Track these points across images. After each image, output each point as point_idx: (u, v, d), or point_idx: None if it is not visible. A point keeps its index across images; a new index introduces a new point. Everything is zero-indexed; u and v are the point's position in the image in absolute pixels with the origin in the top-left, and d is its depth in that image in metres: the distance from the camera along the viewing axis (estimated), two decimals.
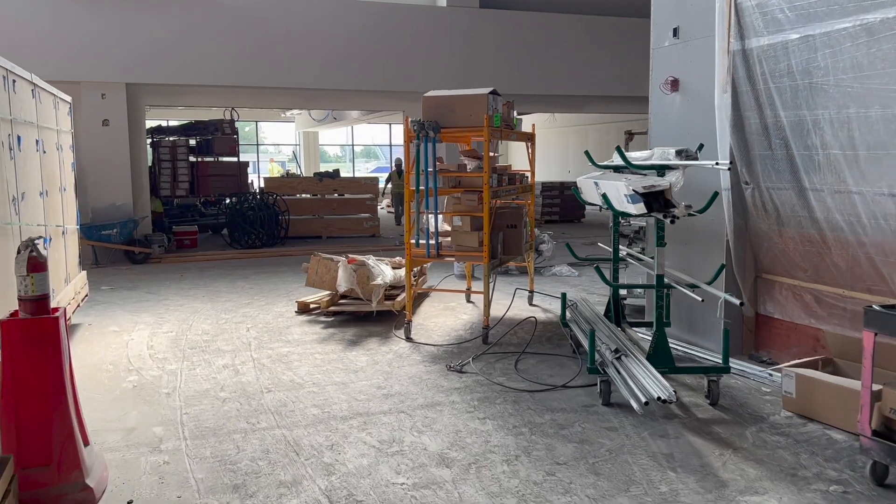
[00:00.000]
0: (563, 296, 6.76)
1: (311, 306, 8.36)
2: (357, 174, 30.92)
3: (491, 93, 6.90)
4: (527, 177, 8.19)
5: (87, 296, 8.38)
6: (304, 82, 13.20)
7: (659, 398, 4.49)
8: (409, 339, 7.04)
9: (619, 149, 5.91)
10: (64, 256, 7.23)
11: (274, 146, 34.97)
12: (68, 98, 7.96)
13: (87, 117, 12.37)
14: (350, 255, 8.27)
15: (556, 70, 14.65)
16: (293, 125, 29.85)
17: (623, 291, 8.10)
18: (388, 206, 20.68)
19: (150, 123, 17.59)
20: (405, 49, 13.72)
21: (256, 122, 29.01)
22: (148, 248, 12.48)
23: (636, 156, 5.90)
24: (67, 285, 7.23)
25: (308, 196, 16.73)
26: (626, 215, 5.59)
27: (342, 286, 7.60)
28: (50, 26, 11.82)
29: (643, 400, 4.48)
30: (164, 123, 19.44)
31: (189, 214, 16.99)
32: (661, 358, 5.28)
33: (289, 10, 12.88)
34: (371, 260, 7.91)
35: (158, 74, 12.47)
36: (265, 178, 16.83)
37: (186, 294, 9.61)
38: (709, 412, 4.99)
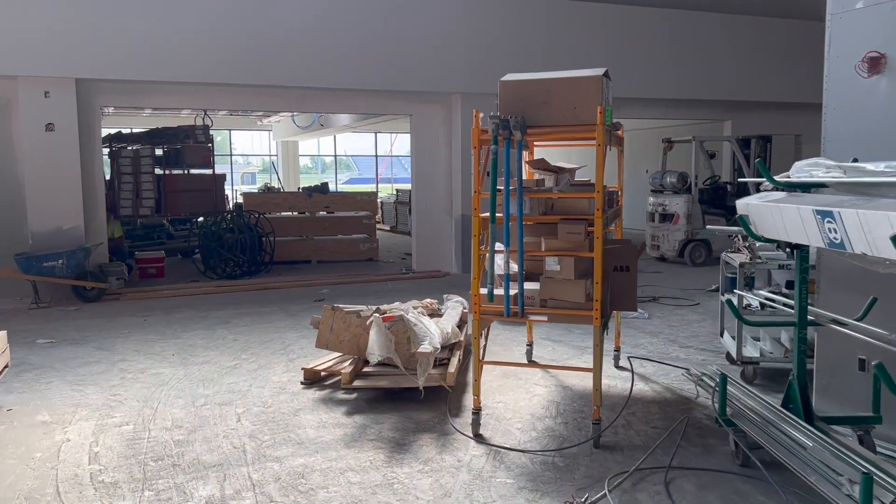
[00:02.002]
0: (723, 381, 4.53)
1: (323, 373, 6.10)
2: (336, 187, 28.59)
3: (604, 75, 4.74)
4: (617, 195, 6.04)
5: (6, 366, 6.03)
6: (295, 79, 10.93)
7: None
8: (478, 436, 4.82)
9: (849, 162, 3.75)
10: None
11: (243, 157, 32.46)
12: None
13: (27, 120, 9.98)
14: (383, 309, 6.02)
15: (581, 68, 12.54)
16: (267, 134, 27.44)
17: (754, 352, 5.96)
18: None
19: (108, 131, 15.14)
20: (415, 42, 11.54)
21: (230, 130, 26.57)
22: (103, 282, 10.08)
23: (871, 168, 3.72)
24: None
25: (294, 214, 14.44)
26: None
27: (375, 355, 5.34)
28: None
29: None
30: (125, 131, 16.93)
31: (155, 236, 14.59)
32: None
33: None
34: (411, 314, 5.66)
35: (117, 68, 10.13)
36: (244, 194, 14.49)
37: (151, 350, 7.27)
38: None
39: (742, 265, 5.84)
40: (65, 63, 9.92)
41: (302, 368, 6.14)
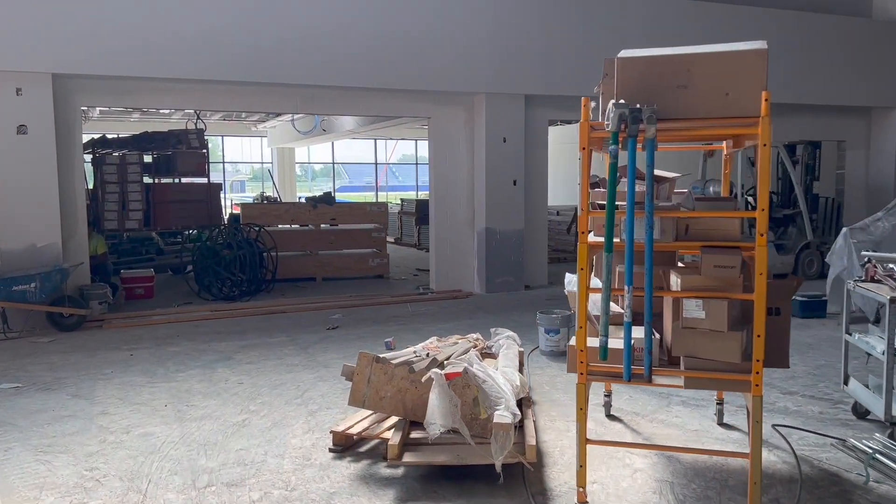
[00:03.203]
0: None
1: (356, 437, 4.81)
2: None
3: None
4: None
5: None
6: (302, 77, 9.66)
7: None
8: None
9: None
10: None
11: (236, 164, 31.05)
12: None
13: None
14: (439, 359, 4.75)
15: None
16: (259, 141, 26.06)
17: None
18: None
19: (90, 136, 13.80)
20: (435, 37, 10.30)
21: (222, 136, 25.21)
22: (83, 308, 8.75)
23: None
24: None
25: (296, 227, 13.14)
26: None
27: (436, 425, 4.05)
28: None
29: None
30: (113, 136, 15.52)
31: (143, 251, 13.24)
32: None
33: None
34: (476, 366, 4.38)
35: (100, 62, 8.84)
36: (242, 205, 13.16)
37: (138, 398, 5.96)
38: None
39: None
40: (39, 56, 8.62)
41: (331, 432, 4.84)
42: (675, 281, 3.61)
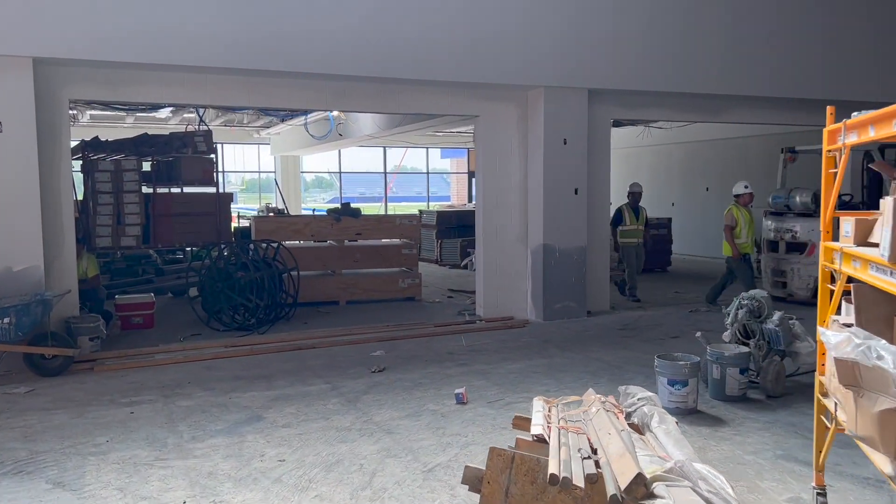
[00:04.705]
0: None
1: None
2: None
3: None
4: None
5: None
6: (336, 65, 8.07)
7: None
8: None
9: None
10: None
11: (238, 173, 29.34)
12: None
13: None
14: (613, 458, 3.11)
15: (690, 60, 9.80)
16: (256, 149, 24.34)
17: None
18: (615, 267, 11.34)
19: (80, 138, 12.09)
20: (486, 19, 8.74)
21: (222, 143, 23.48)
22: (70, 347, 7.09)
23: None
24: None
25: (315, 244, 11.49)
26: None
27: None
28: None
29: None
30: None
31: (140, 271, 11.59)
32: None
33: None
34: (702, 487, 2.74)
35: (91, 45, 7.22)
36: (255, 219, 11.51)
37: (144, 489, 4.30)
38: None
39: None
40: (17, 36, 6.99)
41: None
42: None
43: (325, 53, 8.01)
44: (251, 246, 9.83)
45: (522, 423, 4.34)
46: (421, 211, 18.98)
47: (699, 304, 10.45)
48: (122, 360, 7.46)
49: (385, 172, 26.08)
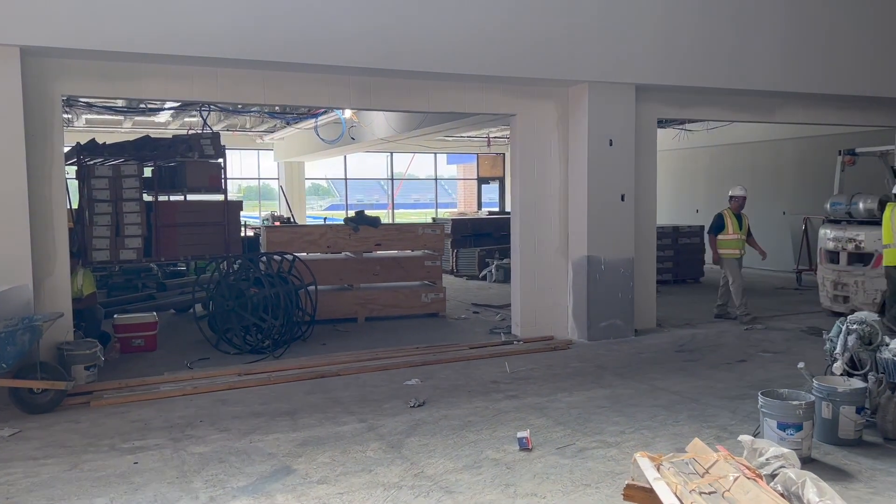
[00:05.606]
0: None
1: None
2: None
3: None
4: None
5: None
6: (362, 58, 7.17)
7: None
8: None
9: None
10: None
11: (243, 180, 28.36)
12: None
13: None
14: None
15: (746, 54, 8.91)
16: (254, 154, 23.34)
17: None
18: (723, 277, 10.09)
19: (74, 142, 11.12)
20: (524, 9, 7.85)
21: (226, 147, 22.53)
22: (62, 379, 6.15)
23: None
24: None
25: (328, 255, 10.55)
26: None
27: None
28: None
29: None
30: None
31: (140, 286, 10.65)
32: None
33: None
34: None
35: (87, 32, 6.32)
36: (266, 229, 10.55)
37: None
38: None
39: None
40: (2, 22, 6.08)
41: None
42: None
43: (350, 44, 7.10)
44: (263, 259, 8.91)
45: (636, 494, 3.44)
46: (434, 219, 18.07)
47: (753, 321, 9.55)
48: (122, 393, 6.52)
49: (392, 179, 25.17)
